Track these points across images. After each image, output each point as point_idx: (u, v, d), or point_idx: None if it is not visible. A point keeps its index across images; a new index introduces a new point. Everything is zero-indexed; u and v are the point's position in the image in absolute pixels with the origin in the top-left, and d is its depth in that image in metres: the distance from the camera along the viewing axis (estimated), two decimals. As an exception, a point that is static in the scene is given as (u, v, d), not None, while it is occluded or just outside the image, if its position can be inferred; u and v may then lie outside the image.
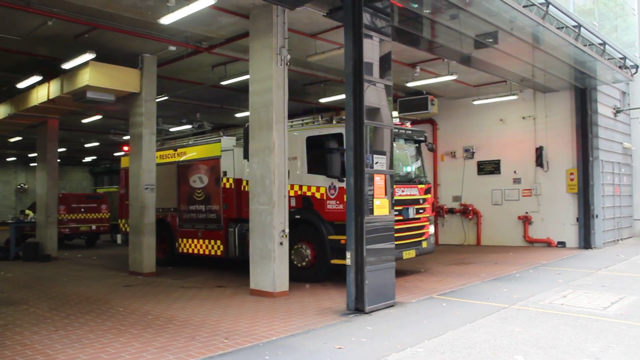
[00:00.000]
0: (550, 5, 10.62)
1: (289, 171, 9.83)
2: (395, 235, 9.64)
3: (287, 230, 9.24)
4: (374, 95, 8.12)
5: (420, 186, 11.47)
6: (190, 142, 14.09)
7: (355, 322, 7.27)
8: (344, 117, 9.82)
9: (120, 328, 7.21)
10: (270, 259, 9.06)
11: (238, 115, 19.84)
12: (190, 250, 13.27)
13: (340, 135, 10.07)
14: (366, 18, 8.05)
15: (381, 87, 8.27)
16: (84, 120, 19.48)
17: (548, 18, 10.83)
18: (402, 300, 8.49)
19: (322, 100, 17.52)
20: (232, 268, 12.95)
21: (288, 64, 9.34)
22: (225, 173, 12.47)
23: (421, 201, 11.38)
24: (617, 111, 18.67)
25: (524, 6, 9.99)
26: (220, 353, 5.93)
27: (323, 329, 6.94)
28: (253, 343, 6.31)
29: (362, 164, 7.69)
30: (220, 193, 12.55)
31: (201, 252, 12.97)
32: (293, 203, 10.78)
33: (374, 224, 7.84)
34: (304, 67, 13.93)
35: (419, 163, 12.02)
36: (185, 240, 13.43)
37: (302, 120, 11.50)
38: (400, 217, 10.46)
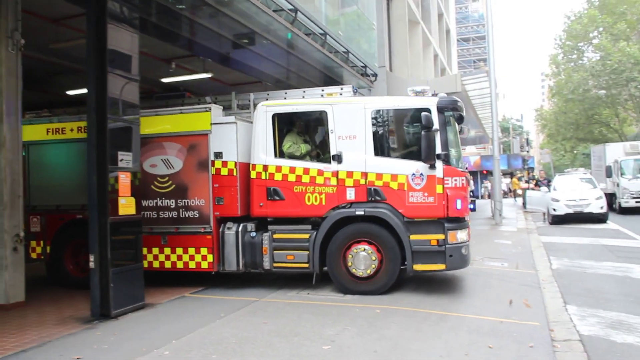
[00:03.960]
0: (298, 12, 11.34)
1: (340, 155, 8.67)
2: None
3: (22, 234, 8.30)
4: (119, 89, 7.72)
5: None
6: (147, 112, 9.62)
7: (100, 328, 6.88)
8: (428, 89, 8.68)
9: None
10: (2, 267, 8.04)
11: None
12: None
13: (428, 110, 8.29)
14: (112, 7, 7.64)
15: (128, 81, 7.92)
16: None
17: (297, 24, 11.54)
18: (153, 302, 8.25)
19: (70, 92, 16.14)
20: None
21: (22, 49, 8.39)
22: (219, 155, 9.27)
23: None
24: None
25: (274, 10, 10.50)
26: None
27: (61, 339, 6.43)
28: (-28, 365, 5.58)
29: (106, 161, 7.28)
30: (208, 182, 9.31)
31: (166, 265, 9.33)
32: (350, 196, 8.64)
33: (119, 224, 7.48)
34: (47, 55, 12.66)
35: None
36: None
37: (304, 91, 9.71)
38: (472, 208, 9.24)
